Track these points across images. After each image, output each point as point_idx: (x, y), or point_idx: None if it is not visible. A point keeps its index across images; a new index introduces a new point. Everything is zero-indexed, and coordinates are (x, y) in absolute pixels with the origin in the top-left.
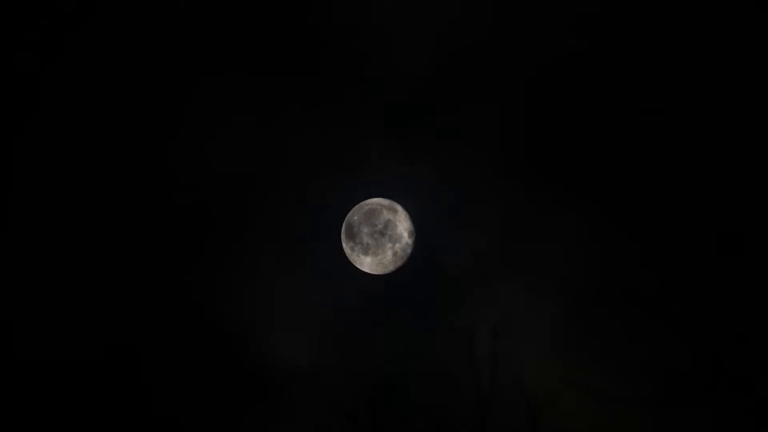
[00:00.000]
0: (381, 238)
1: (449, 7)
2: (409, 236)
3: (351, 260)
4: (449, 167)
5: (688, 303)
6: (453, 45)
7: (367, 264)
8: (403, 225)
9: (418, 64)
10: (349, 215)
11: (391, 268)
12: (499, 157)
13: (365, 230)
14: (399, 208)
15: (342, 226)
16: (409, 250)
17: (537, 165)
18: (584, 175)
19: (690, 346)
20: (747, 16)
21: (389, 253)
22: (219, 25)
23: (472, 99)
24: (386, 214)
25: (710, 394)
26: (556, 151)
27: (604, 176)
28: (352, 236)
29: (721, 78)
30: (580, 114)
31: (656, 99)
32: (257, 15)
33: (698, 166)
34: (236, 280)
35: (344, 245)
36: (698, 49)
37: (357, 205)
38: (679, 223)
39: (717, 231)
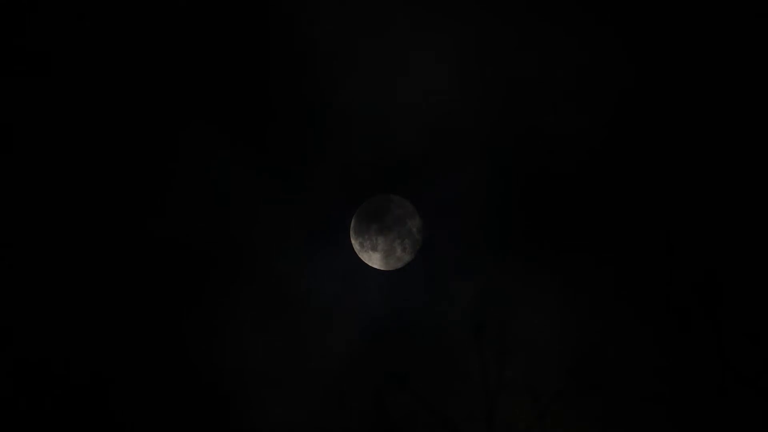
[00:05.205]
0: (389, 234)
1: (436, 80)
2: (418, 232)
3: (360, 257)
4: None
5: (694, 303)
6: (434, 122)
7: (376, 260)
8: (412, 221)
9: (401, 137)
10: (358, 211)
11: (399, 264)
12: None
13: (374, 227)
14: (408, 203)
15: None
16: (417, 246)
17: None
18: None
19: (698, 345)
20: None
21: (398, 248)
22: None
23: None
24: (395, 210)
25: (719, 392)
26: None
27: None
28: (361, 233)
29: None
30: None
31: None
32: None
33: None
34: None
35: (353, 242)
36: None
37: (366, 202)
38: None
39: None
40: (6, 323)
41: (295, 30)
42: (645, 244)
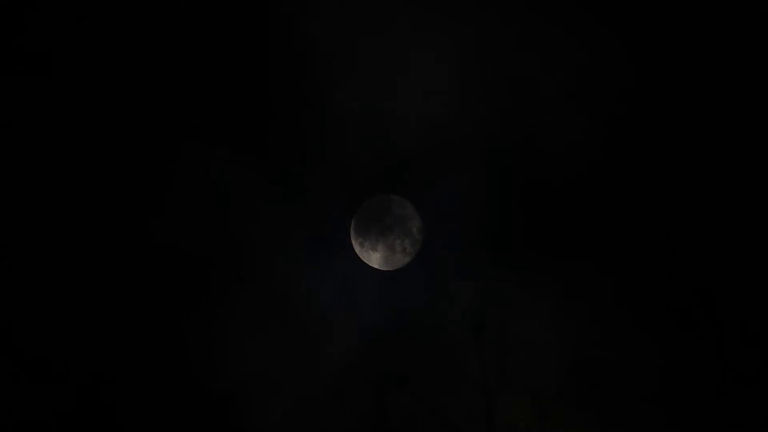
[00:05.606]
0: (390, 234)
1: (436, 80)
2: (418, 232)
3: (360, 257)
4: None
5: (695, 302)
6: (434, 123)
7: (376, 260)
8: (412, 221)
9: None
10: (358, 212)
11: (399, 264)
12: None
13: (374, 227)
14: (408, 204)
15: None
16: (417, 246)
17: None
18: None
19: (698, 345)
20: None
21: (398, 249)
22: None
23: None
24: (396, 210)
25: (719, 392)
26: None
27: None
28: (361, 233)
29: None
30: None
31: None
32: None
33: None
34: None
35: (353, 242)
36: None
37: (366, 202)
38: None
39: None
40: (6, 323)
41: (295, 30)
42: (645, 247)
